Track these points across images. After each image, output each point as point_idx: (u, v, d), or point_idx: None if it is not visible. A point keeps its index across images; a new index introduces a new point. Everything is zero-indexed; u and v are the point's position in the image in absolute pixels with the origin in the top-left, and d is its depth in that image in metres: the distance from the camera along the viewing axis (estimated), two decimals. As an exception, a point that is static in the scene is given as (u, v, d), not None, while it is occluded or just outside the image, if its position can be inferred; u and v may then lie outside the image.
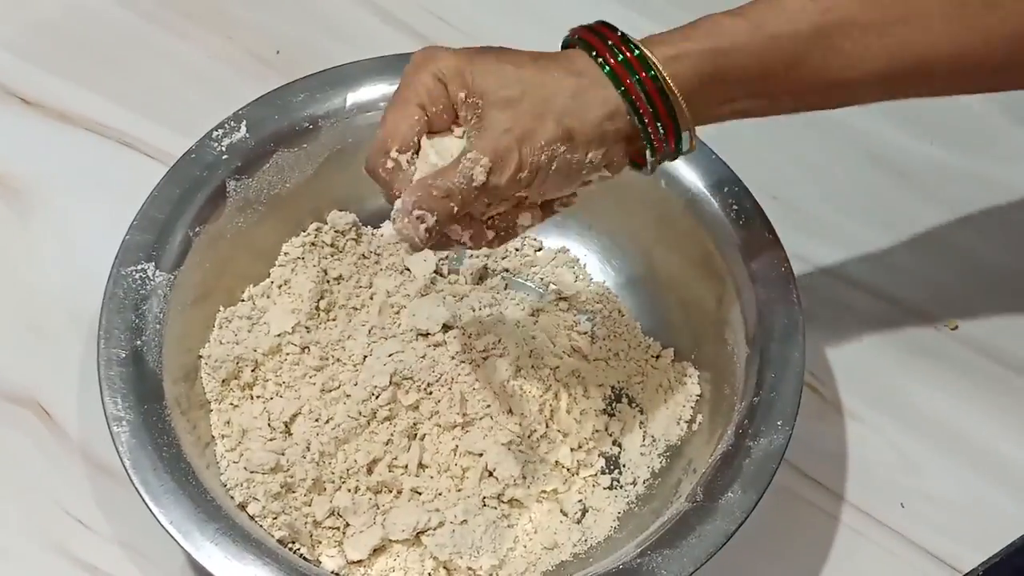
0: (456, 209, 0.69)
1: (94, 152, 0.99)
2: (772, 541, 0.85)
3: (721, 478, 0.78)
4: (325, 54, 0.96)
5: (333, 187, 0.92)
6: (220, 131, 0.88)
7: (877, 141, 1.01)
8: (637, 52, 0.71)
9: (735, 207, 0.86)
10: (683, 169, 0.88)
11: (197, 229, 0.85)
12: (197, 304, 0.85)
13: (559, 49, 0.75)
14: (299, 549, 0.79)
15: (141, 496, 0.74)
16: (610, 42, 0.72)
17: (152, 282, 0.82)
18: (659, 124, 0.71)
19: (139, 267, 0.82)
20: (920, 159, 1.01)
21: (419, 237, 0.69)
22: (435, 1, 1.09)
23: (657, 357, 0.89)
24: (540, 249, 0.94)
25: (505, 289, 0.91)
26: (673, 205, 0.88)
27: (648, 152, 0.73)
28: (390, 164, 0.71)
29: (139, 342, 0.80)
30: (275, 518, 0.79)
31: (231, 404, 0.83)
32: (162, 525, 0.74)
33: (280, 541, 0.78)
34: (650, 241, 0.89)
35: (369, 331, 0.85)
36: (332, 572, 0.79)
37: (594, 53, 0.72)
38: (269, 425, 0.82)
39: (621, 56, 0.71)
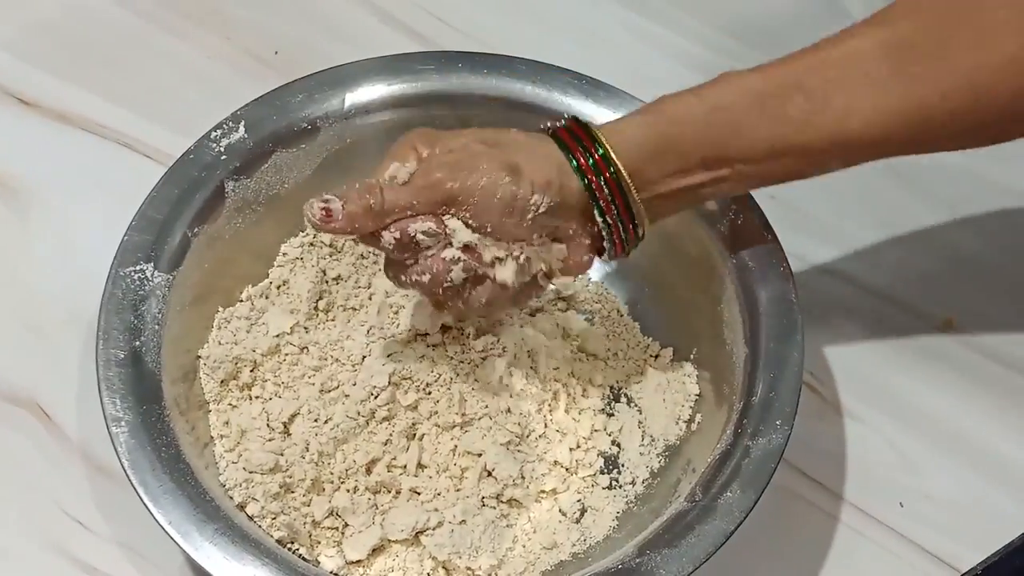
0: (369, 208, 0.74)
1: (93, 152, 1.00)
2: (772, 541, 0.85)
3: (720, 478, 0.78)
4: (324, 54, 0.97)
5: (331, 187, 0.90)
6: (218, 132, 0.88)
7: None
8: (601, 152, 0.76)
9: (733, 206, 0.87)
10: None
11: (196, 230, 0.85)
12: (195, 305, 0.85)
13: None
14: (298, 549, 0.80)
15: (140, 497, 0.75)
16: (581, 141, 0.77)
17: (151, 283, 0.83)
18: (617, 215, 0.77)
19: (138, 268, 0.83)
20: (920, 159, 1.00)
21: (312, 214, 0.74)
22: (434, 1, 1.09)
23: (656, 357, 0.90)
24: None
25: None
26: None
27: (606, 241, 0.78)
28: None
29: (138, 343, 0.80)
30: (274, 518, 0.79)
31: (230, 404, 0.84)
32: (161, 526, 0.74)
33: (279, 541, 0.79)
34: (648, 240, 0.88)
35: (368, 331, 0.86)
36: (331, 572, 0.80)
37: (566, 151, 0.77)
38: (268, 425, 0.83)
39: (591, 159, 0.76)
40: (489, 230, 0.75)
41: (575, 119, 0.79)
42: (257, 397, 0.84)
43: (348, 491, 0.82)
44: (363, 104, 0.91)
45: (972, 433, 0.91)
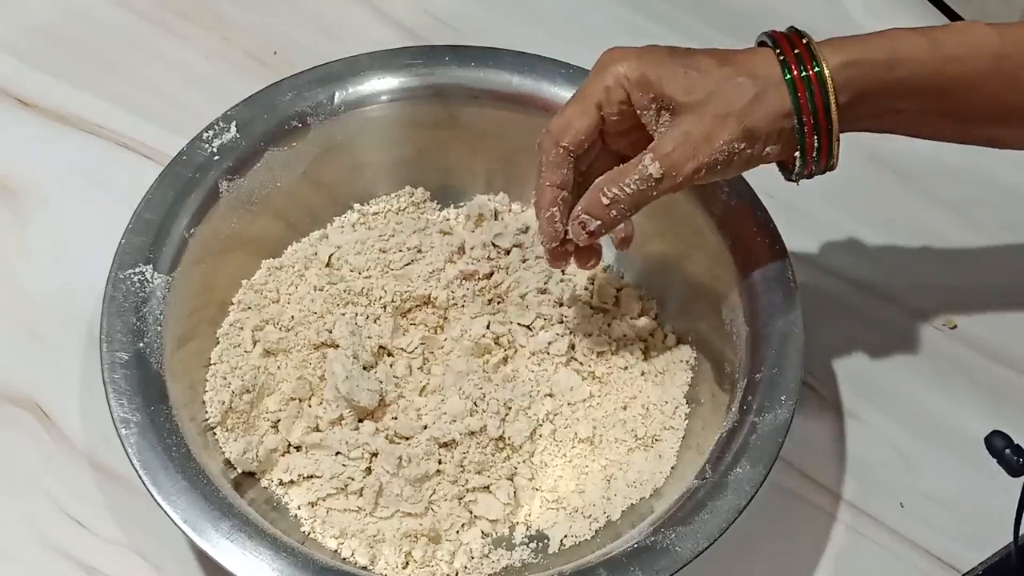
0: (619, 216, 0.83)
1: (92, 153, 1.06)
2: (771, 541, 0.91)
3: (729, 454, 0.85)
4: (323, 55, 1.01)
5: (324, 185, 1.00)
6: (210, 132, 0.96)
7: (877, 140, 1.07)
8: (816, 69, 0.82)
9: (726, 189, 0.93)
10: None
11: (192, 231, 0.93)
12: (195, 304, 0.92)
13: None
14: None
15: (153, 497, 0.81)
16: (796, 51, 0.83)
17: (151, 284, 0.90)
18: (816, 137, 0.83)
19: (137, 270, 0.90)
20: (920, 159, 1.08)
21: (579, 240, 0.86)
22: (435, 2, 1.17)
23: (664, 338, 0.98)
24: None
25: (523, 263, 0.99)
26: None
27: (799, 160, 0.84)
28: (552, 155, 0.85)
29: (142, 344, 0.87)
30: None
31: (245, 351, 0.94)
32: (177, 525, 0.80)
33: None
34: (648, 223, 0.93)
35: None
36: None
37: (781, 59, 0.83)
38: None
39: (804, 72, 0.82)
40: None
41: (796, 30, 0.85)
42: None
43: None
44: (353, 100, 0.99)
45: (972, 433, 0.93)
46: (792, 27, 0.86)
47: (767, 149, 0.84)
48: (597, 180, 0.85)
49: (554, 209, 0.87)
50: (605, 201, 0.84)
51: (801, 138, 0.83)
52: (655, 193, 0.84)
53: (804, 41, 0.84)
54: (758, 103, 0.82)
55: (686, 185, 0.84)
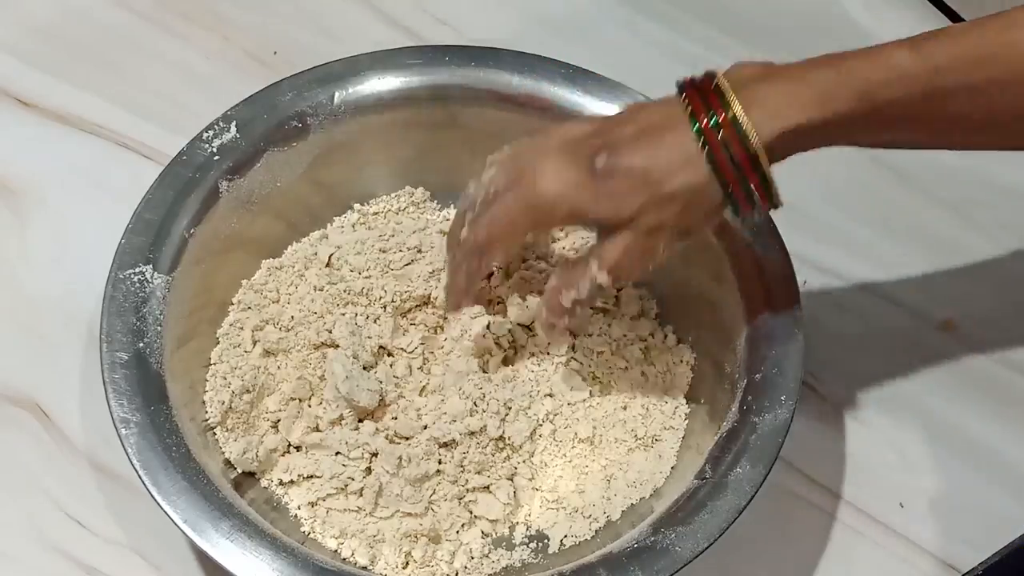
0: (580, 315, 0.88)
1: (92, 153, 1.07)
2: (771, 541, 0.92)
3: (729, 454, 0.85)
4: (323, 55, 1.01)
5: (324, 185, 1.00)
6: (210, 132, 0.96)
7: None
8: (730, 115, 0.79)
9: None
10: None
11: (192, 231, 0.93)
12: (195, 304, 0.93)
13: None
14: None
15: (153, 497, 0.81)
16: (706, 99, 0.80)
17: (151, 284, 0.90)
18: (744, 194, 0.81)
19: (137, 270, 0.90)
20: (920, 159, 1.05)
21: (555, 340, 0.93)
22: (436, 3, 1.17)
23: (664, 338, 0.97)
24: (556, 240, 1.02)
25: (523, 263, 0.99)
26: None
27: (732, 215, 0.83)
28: (475, 268, 0.89)
29: (141, 344, 0.87)
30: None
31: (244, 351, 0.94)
32: (177, 525, 0.80)
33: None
34: None
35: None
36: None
37: (690, 115, 0.80)
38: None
39: (714, 119, 0.79)
40: None
41: (709, 75, 0.81)
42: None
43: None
44: (353, 100, 0.99)
45: (972, 433, 0.96)
46: (708, 73, 0.82)
47: (709, 227, 0.86)
48: (551, 282, 0.88)
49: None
50: (566, 305, 0.87)
51: (730, 198, 0.81)
52: (605, 294, 0.89)
53: (714, 85, 0.81)
54: (689, 209, 0.82)
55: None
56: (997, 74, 0.78)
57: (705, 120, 0.80)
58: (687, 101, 0.81)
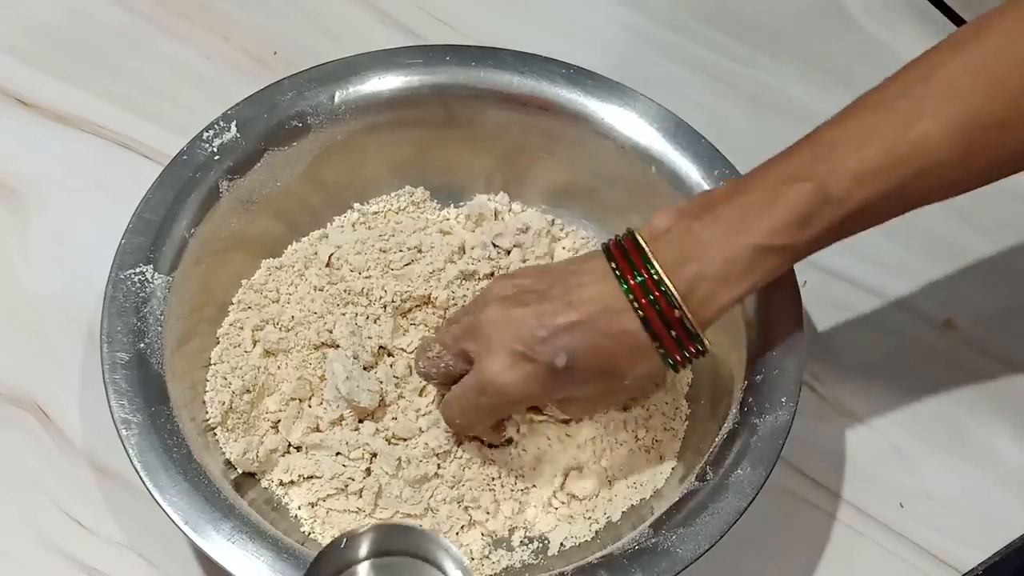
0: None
1: (92, 153, 1.06)
2: (771, 541, 0.92)
3: (729, 455, 0.85)
4: (323, 55, 1.02)
5: (324, 184, 1.00)
6: (210, 132, 0.96)
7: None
8: (654, 274, 0.81)
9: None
10: (678, 159, 0.97)
11: (192, 231, 0.93)
12: (195, 304, 0.93)
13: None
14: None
15: (154, 498, 0.81)
16: (630, 259, 0.82)
17: (151, 284, 0.90)
18: (675, 341, 0.82)
19: (137, 270, 0.90)
20: None
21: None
22: (436, 3, 1.16)
23: None
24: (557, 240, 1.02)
25: (524, 263, 0.98)
26: (667, 193, 0.96)
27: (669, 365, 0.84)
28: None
29: (142, 344, 0.87)
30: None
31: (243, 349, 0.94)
32: (177, 526, 0.81)
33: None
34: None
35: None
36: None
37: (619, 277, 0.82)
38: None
39: (639, 278, 0.81)
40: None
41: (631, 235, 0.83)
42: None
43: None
44: (353, 100, 0.99)
45: (972, 433, 0.96)
46: (627, 231, 0.84)
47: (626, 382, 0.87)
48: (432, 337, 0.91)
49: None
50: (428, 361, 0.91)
51: (659, 343, 0.83)
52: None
53: (636, 242, 0.83)
54: (634, 388, 0.91)
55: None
56: (911, 174, 0.79)
57: (631, 280, 0.82)
58: (613, 265, 0.83)
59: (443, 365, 0.88)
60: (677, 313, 0.81)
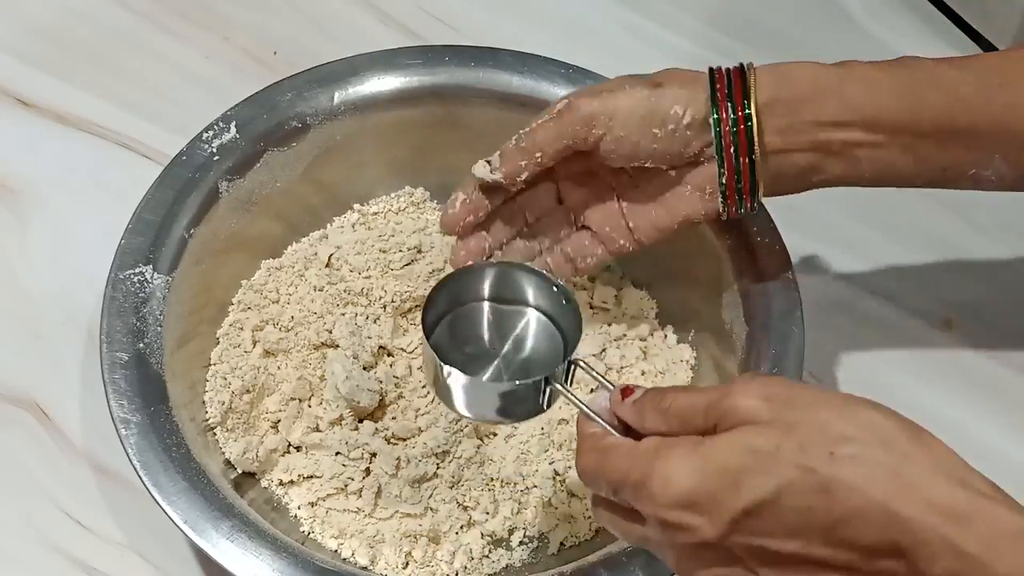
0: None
1: (92, 153, 1.07)
2: None
3: None
4: (322, 54, 1.02)
5: (324, 185, 1.01)
6: (210, 132, 0.96)
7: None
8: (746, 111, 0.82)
9: None
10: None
11: (192, 231, 0.93)
12: (195, 305, 0.93)
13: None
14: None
15: (154, 498, 0.82)
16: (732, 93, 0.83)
17: (151, 285, 0.90)
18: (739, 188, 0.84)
19: (137, 270, 0.90)
20: None
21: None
22: (435, 3, 1.17)
23: (664, 338, 0.98)
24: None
25: None
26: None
27: (721, 204, 0.85)
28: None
29: (141, 344, 0.88)
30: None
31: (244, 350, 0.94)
32: (177, 525, 0.81)
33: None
34: None
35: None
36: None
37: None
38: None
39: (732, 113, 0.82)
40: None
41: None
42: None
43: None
44: (352, 101, 0.99)
45: (972, 433, 0.95)
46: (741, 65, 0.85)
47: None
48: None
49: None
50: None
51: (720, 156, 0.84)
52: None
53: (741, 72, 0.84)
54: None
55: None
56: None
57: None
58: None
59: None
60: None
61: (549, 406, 0.76)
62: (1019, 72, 0.83)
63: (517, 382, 0.75)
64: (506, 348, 0.80)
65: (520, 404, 0.76)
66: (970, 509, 0.62)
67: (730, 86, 0.83)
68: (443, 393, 0.77)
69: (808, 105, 0.82)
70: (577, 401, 0.72)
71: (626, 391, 0.71)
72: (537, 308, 0.80)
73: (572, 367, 0.76)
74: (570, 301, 0.78)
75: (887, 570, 0.63)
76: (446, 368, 0.75)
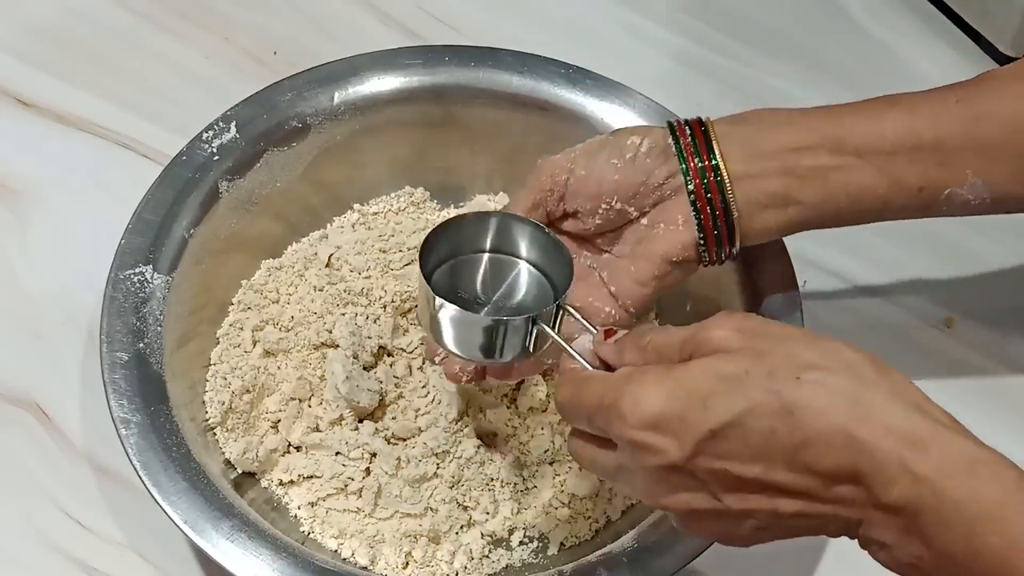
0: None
1: (92, 153, 1.07)
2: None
3: None
4: (322, 54, 1.02)
5: (324, 185, 1.01)
6: (210, 132, 0.96)
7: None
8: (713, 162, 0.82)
9: None
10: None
11: (192, 231, 0.93)
12: (195, 305, 0.93)
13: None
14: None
15: (154, 498, 0.82)
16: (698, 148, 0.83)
17: (151, 285, 0.90)
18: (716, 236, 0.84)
19: (137, 270, 0.90)
20: None
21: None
22: (435, 3, 1.17)
23: None
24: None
25: None
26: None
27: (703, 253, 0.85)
28: None
29: (141, 344, 0.88)
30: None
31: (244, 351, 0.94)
32: (177, 525, 0.81)
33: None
34: None
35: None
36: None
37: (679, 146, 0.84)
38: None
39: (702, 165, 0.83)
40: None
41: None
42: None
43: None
44: (352, 101, 1.00)
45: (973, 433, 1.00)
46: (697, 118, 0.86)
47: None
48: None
49: None
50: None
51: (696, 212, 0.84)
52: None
53: (703, 129, 0.84)
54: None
55: None
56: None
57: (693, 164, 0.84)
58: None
59: None
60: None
61: (536, 349, 0.78)
62: (975, 91, 0.84)
63: (505, 317, 0.77)
64: (498, 295, 0.82)
65: (507, 343, 0.78)
66: (928, 436, 0.66)
67: (693, 138, 0.83)
68: (435, 329, 0.79)
69: (767, 133, 0.83)
70: (561, 341, 0.75)
71: (608, 332, 0.74)
72: (530, 259, 0.82)
73: (561, 314, 0.78)
74: (562, 251, 0.80)
75: (845, 497, 0.66)
76: (438, 301, 0.77)
